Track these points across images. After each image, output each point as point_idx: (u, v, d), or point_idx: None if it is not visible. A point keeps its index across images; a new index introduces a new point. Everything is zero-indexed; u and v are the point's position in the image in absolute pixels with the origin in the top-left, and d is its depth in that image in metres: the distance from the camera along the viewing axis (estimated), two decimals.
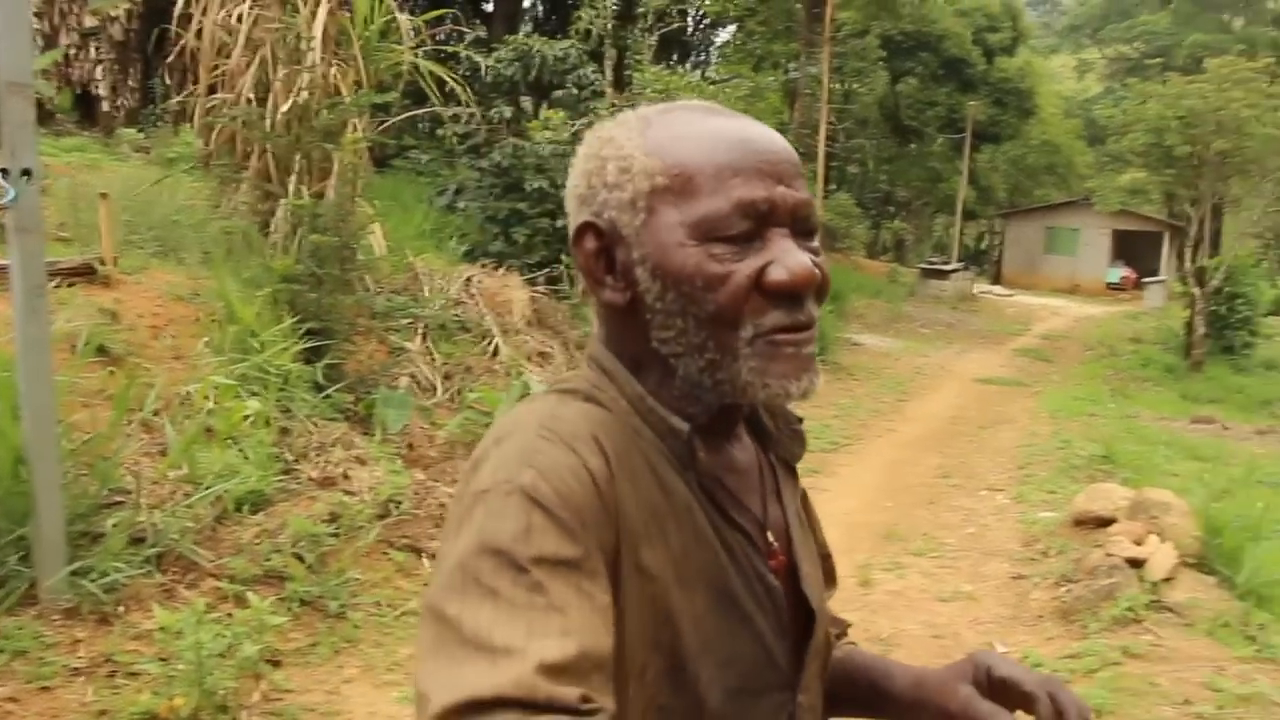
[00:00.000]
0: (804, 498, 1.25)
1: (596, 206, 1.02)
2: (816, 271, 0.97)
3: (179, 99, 8.52)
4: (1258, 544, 6.16)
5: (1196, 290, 19.40)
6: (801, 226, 0.99)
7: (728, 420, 1.07)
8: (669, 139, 1.00)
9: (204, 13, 7.67)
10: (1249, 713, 4.34)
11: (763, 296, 0.95)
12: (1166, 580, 5.56)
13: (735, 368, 0.97)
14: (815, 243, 1.01)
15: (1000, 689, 1.10)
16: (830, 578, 1.31)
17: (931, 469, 9.07)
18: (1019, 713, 1.09)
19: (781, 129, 20.03)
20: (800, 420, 1.18)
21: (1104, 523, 6.35)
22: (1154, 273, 36.69)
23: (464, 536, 0.86)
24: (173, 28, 7.98)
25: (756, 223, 0.96)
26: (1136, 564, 5.65)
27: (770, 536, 1.08)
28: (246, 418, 5.41)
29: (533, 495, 0.86)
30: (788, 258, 0.96)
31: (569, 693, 0.78)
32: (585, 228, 1.02)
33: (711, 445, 1.05)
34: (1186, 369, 18.93)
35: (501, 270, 9.86)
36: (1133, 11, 65.52)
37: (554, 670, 0.78)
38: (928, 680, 1.16)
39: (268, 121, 7.17)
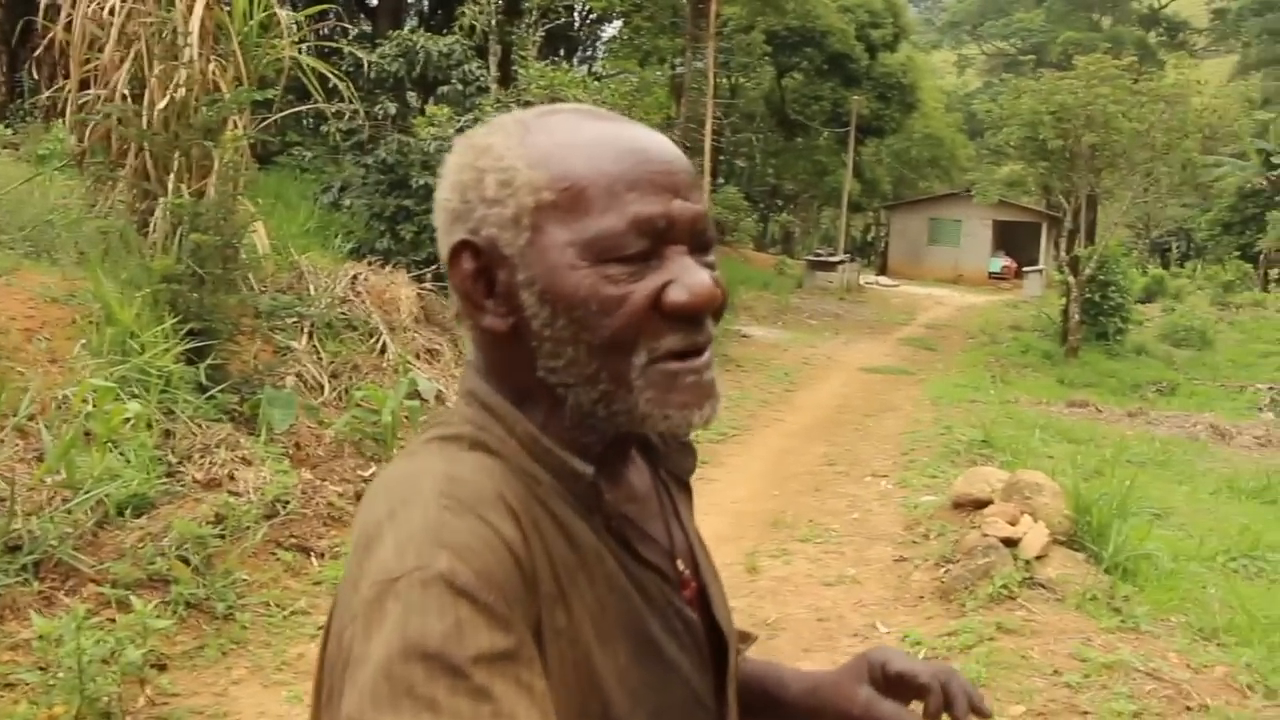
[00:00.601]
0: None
1: (473, 223, 0.92)
2: (718, 290, 0.91)
3: (49, 94, 8.28)
4: (1124, 521, 6.47)
5: (1071, 279, 20.07)
6: (698, 241, 0.93)
7: (622, 445, 0.99)
8: (554, 148, 0.91)
9: (74, 4, 7.47)
10: (1113, 679, 4.56)
11: (660, 318, 0.89)
12: (1039, 558, 5.79)
13: (631, 399, 0.89)
14: (711, 257, 0.95)
15: (896, 684, 1.10)
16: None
17: (818, 457, 9.28)
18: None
19: (668, 124, 20.26)
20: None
21: (981, 505, 6.57)
22: (1034, 262, 37.80)
23: (382, 637, 0.75)
24: (39, 19, 7.77)
25: (653, 240, 0.89)
26: (1011, 543, 5.88)
27: (680, 564, 1.02)
28: (127, 420, 5.32)
29: (454, 583, 0.77)
30: (688, 276, 0.89)
31: None
32: (461, 247, 0.92)
33: (610, 476, 0.97)
34: (1063, 355, 19.56)
35: (388, 268, 9.80)
36: (1009, 9, 67.47)
37: None
38: (823, 685, 1.14)
39: (144, 119, 7.03)
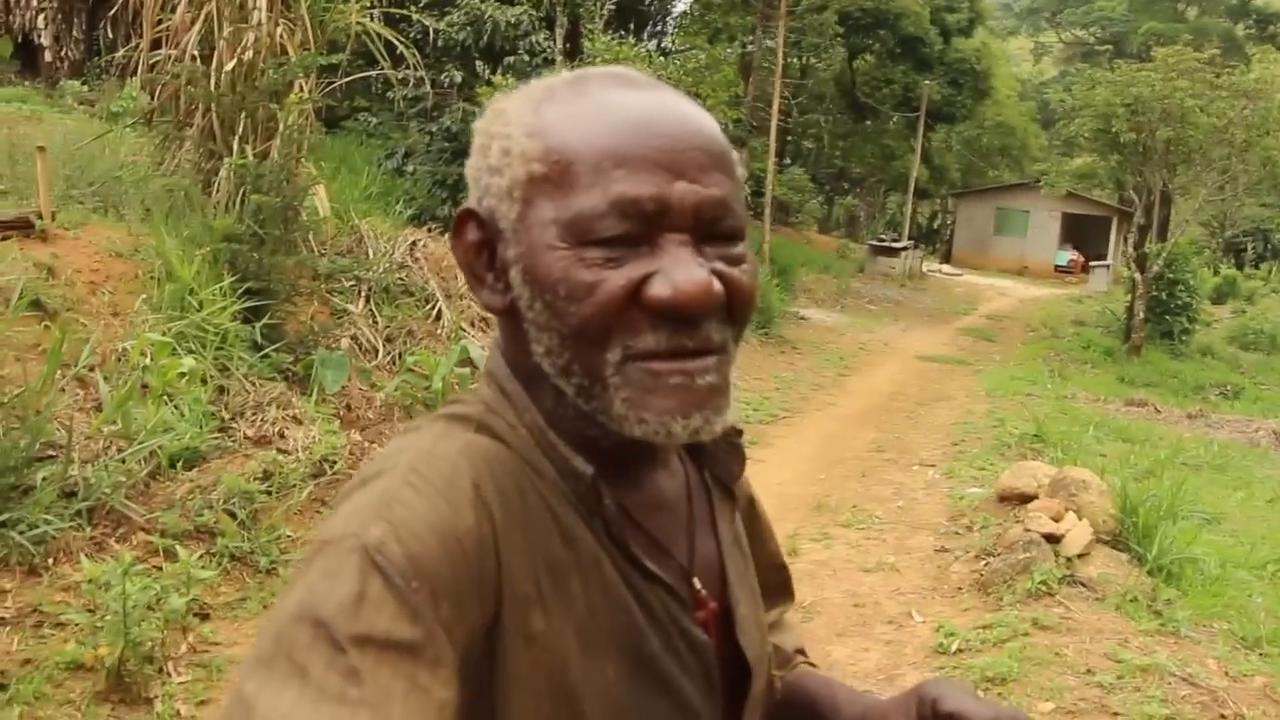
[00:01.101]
0: (752, 504, 1.13)
1: (479, 191, 0.87)
2: (715, 288, 0.81)
3: (123, 52, 8.44)
4: (1171, 523, 6.39)
5: (1138, 276, 19.75)
6: (711, 230, 0.82)
7: (643, 444, 0.87)
8: (559, 118, 0.83)
9: None
10: (1146, 682, 4.52)
11: (641, 313, 0.80)
12: (1081, 556, 5.74)
13: (606, 397, 0.82)
14: (737, 249, 0.85)
15: None
16: (785, 590, 1.22)
17: (867, 443, 9.24)
18: None
19: (736, 102, 20.14)
20: (740, 433, 1.01)
21: (1027, 499, 6.51)
22: (1102, 257, 37.24)
23: (293, 594, 0.73)
24: None
25: (642, 225, 0.80)
26: (1054, 540, 5.82)
27: (698, 583, 0.94)
28: (182, 375, 5.44)
29: (374, 557, 0.72)
30: (676, 271, 0.80)
31: None
32: (466, 216, 0.87)
33: (628, 476, 0.90)
34: (1125, 353, 19.29)
35: (448, 235, 9.84)
36: None
37: None
38: (871, 713, 1.05)
39: (212, 80, 7.14)
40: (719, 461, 1.01)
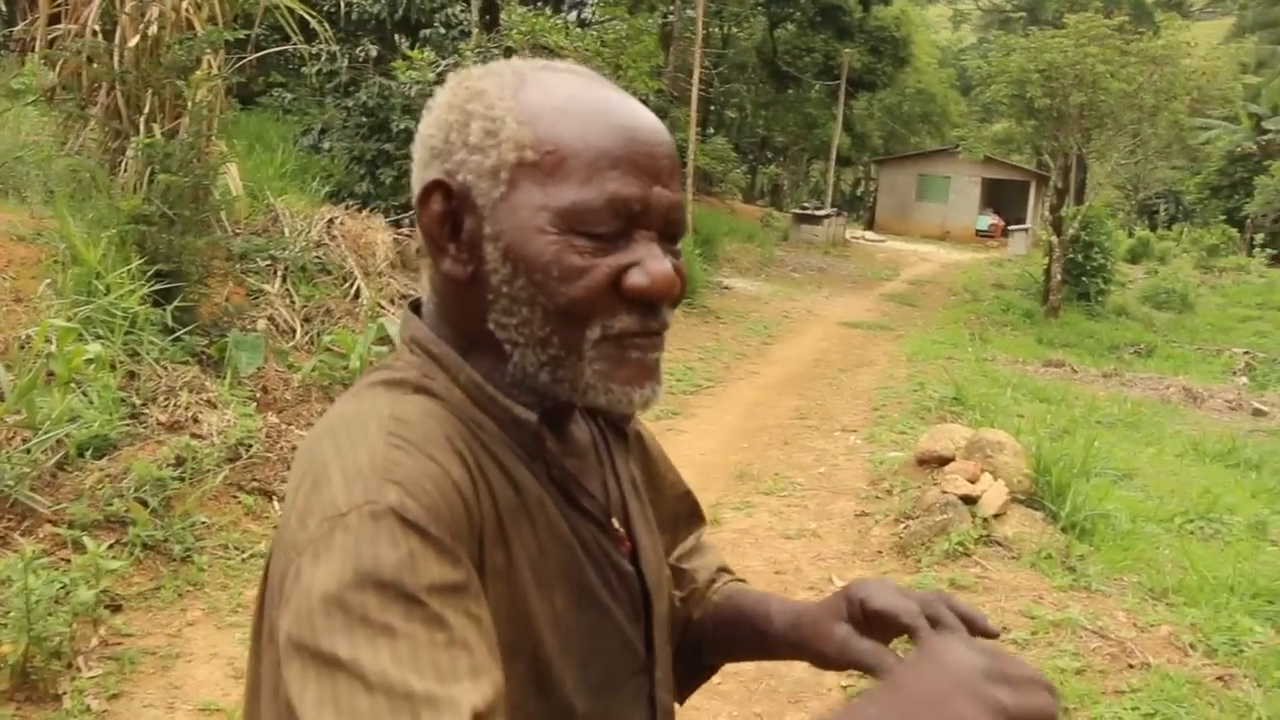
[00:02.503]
0: (640, 440, 1.20)
1: (451, 165, 0.92)
2: (678, 281, 0.92)
3: (22, 27, 8.18)
4: (1085, 481, 6.55)
5: (1055, 239, 20.08)
6: (670, 230, 0.94)
7: (564, 407, 1.00)
8: (546, 109, 0.91)
9: None
10: (1059, 636, 4.65)
11: (617, 298, 0.90)
12: (997, 516, 5.86)
13: (579, 368, 0.91)
14: (678, 246, 0.96)
15: (877, 622, 1.03)
16: (695, 515, 1.29)
17: (789, 410, 9.32)
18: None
19: (657, 72, 20.06)
20: None
21: (945, 461, 6.63)
22: (1021, 221, 37.80)
23: (332, 566, 0.75)
24: None
25: (626, 222, 0.90)
26: (970, 501, 5.94)
27: (615, 522, 1.03)
28: (89, 361, 5.31)
29: (405, 516, 0.78)
30: (651, 263, 0.90)
31: None
32: (435, 186, 0.93)
33: (552, 427, 0.99)
34: (1044, 314, 19.60)
35: (366, 212, 9.75)
36: None
37: (486, 715, 0.73)
38: (803, 620, 1.11)
39: (115, 56, 6.95)
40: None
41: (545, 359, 0.91)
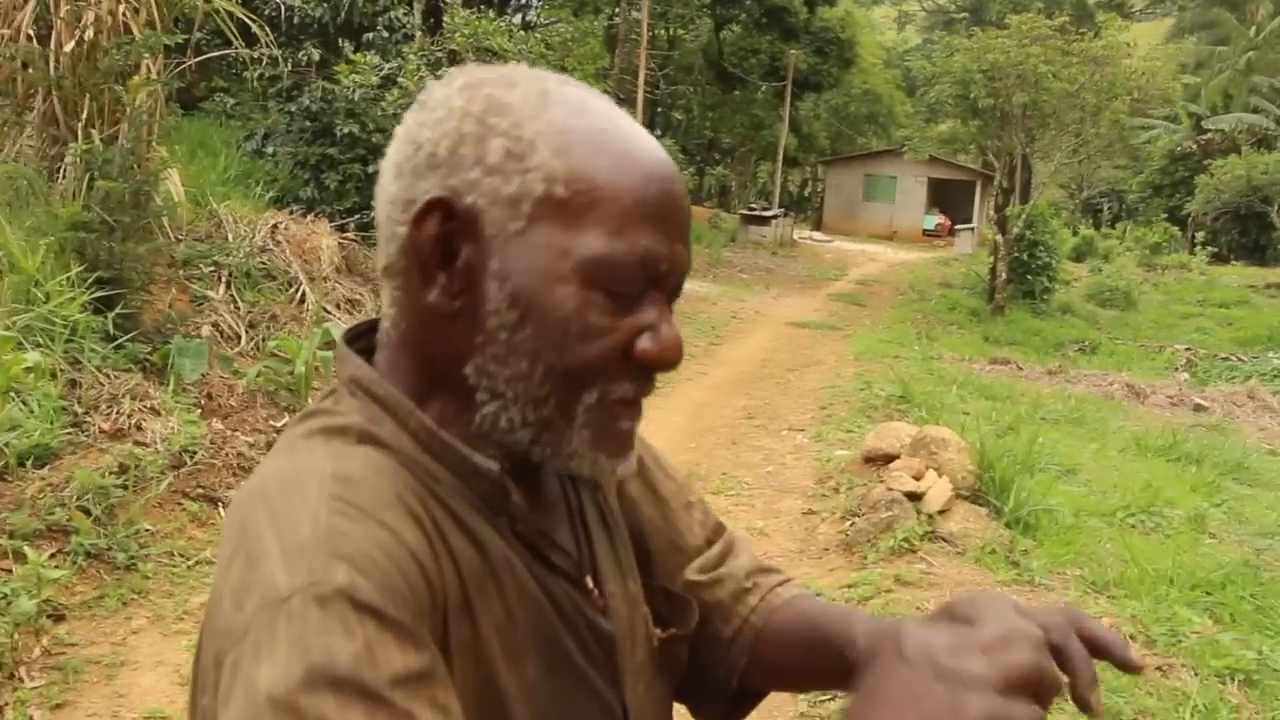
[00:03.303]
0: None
1: (459, 183, 0.81)
2: (682, 348, 0.84)
3: None
4: (1029, 476, 6.64)
5: (999, 238, 20.35)
6: (677, 293, 0.86)
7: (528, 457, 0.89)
8: (579, 141, 0.81)
9: None
10: None
11: (624, 363, 0.82)
12: (942, 512, 5.93)
13: (567, 434, 0.82)
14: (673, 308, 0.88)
15: None
16: (709, 523, 1.13)
17: (737, 410, 9.38)
18: None
19: (603, 74, 20.08)
20: None
21: (890, 459, 6.69)
22: (968, 220, 38.27)
23: (275, 663, 0.66)
24: None
25: (649, 283, 0.82)
26: (916, 497, 6.01)
27: (589, 581, 0.93)
28: (28, 370, 5.24)
29: (355, 599, 0.68)
30: (665, 329, 0.82)
31: None
32: (436, 205, 0.80)
33: (519, 480, 0.87)
34: (990, 313, 19.85)
35: (310, 217, 9.69)
36: None
37: None
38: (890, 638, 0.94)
39: (51, 61, 6.86)
40: None
41: (533, 419, 0.82)
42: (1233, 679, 4.24)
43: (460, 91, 0.83)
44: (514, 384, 0.81)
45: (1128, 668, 0.81)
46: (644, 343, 0.81)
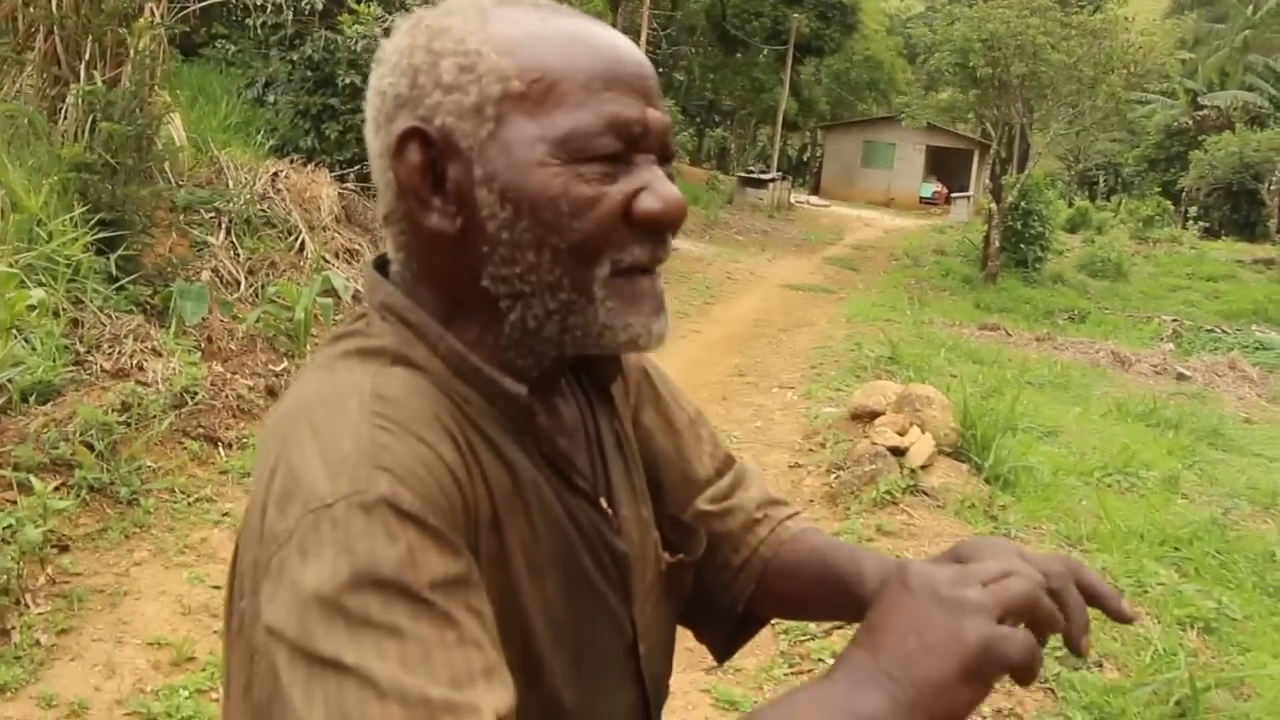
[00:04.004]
0: (651, 381, 1.14)
1: (425, 110, 0.84)
2: (685, 202, 0.86)
3: None
4: (1011, 435, 6.80)
5: (994, 206, 20.44)
6: (665, 152, 0.88)
7: (555, 373, 0.93)
8: (523, 37, 0.84)
9: None
10: None
11: (627, 228, 0.83)
12: (924, 467, 6.08)
13: (591, 311, 0.84)
14: (671, 169, 0.90)
15: None
16: (719, 454, 1.17)
17: (729, 368, 9.52)
18: None
19: None
20: None
21: (876, 416, 6.82)
22: (965, 188, 38.31)
23: (321, 564, 0.69)
24: None
25: (628, 145, 0.84)
26: (899, 452, 6.15)
27: (604, 503, 0.96)
28: (32, 308, 5.34)
29: (399, 507, 0.72)
30: (660, 186, 0.84)
31: None
32: (411, 134, 0.84)
33: (543, 404, 0.91)
34: (982, 280, 19.97)
35: (310, 166, 9.75)
36: None
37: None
38: None
39: (54, 1, 6.89)
40: (594, 366, 1.02)
41: (555, 306, 0.84)
42: (1193, 627, 4.42)
43: (405, 34, 0.87)
44: (528, 277, 0.84)
45: (1120, 618, 0.86)
46: (643, 202, 0.83)
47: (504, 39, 0.84)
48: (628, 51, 0.87)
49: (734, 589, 1.12)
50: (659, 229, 0.85)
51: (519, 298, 0.85)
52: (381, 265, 0.94)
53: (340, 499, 0.71)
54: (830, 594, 1.05)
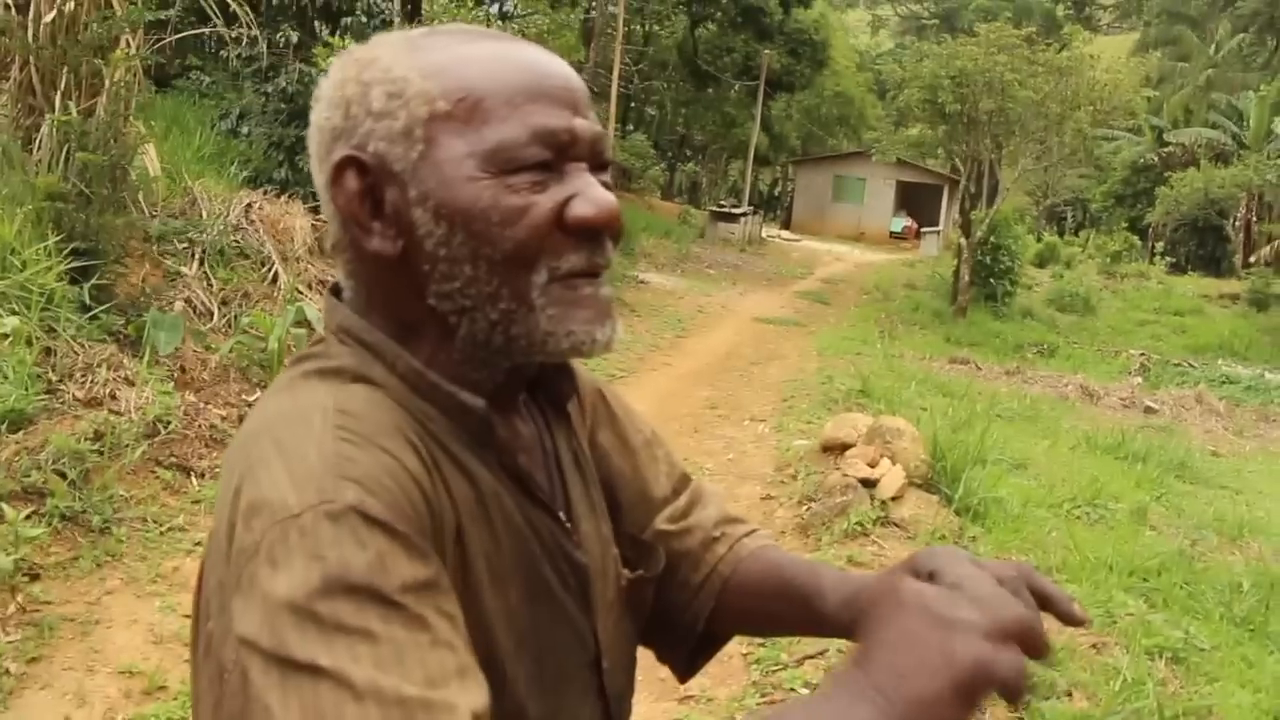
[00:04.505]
0: (606, 402, 1.15)
1: (359, 139, 0.87)
2: (619, 208, 0.88)
3: None
4: (981, 467, 6.86)
5: (963, 241, 20.66)
6: (598, 161, 0.90)
7: (512, 387, 0.96)
8: (448, 61, 0.87)
9: None
10: None
11: (562, 235, 0.86)
12: (895, 498, 6.13)
13: (532, 319, 0.86)
14: (608, 178, 0.92)
15: None
16: (676, 473, 1.18)
17: (701, 401, 9.56)
18: None
19: (578, 68, 20.15)
20: None
21: (848, 448, 6.88)
22: (935, 223, 38.67)
23: (292, 573, 0.70)
24: None
25: (556, 154, 0.86)
26: (870, 484, 6.20)
27: (563, 516, 0.98)
28: (4, 336, 5.33)
29: (367, 514, 0.73)
30: (592, 191, 0.87)
31: None
32: (346, 163, 0.87)
33: (502, 419, 0.93)
34: (952, 314, 20.14)
35: (284, 198, 9.76)
36: None
37: (481, 718, 0.70)
38: (861, 597, 0.97)
39: (30, 31, 6.91)
40: (550, 384, 1.03)
41: (497, 316, 0.86)
42: (1161, 656, 4.47)
43: (338, 69, 0.91)
44: (468, 291, 0.86)
45: (1071, 620, 0.87)
46: (575, 208, 0.86)
47: (429, 64, 0.87)
48: (552, 65, 0.90)
49: (694, 607, 1.13)
50: (594, 234, 0.87)
51: (463, 312, 0.87)
52: (338, 292, 0.96)
53: (308, 509, 0.72)
54: (790, 608, 1.06)
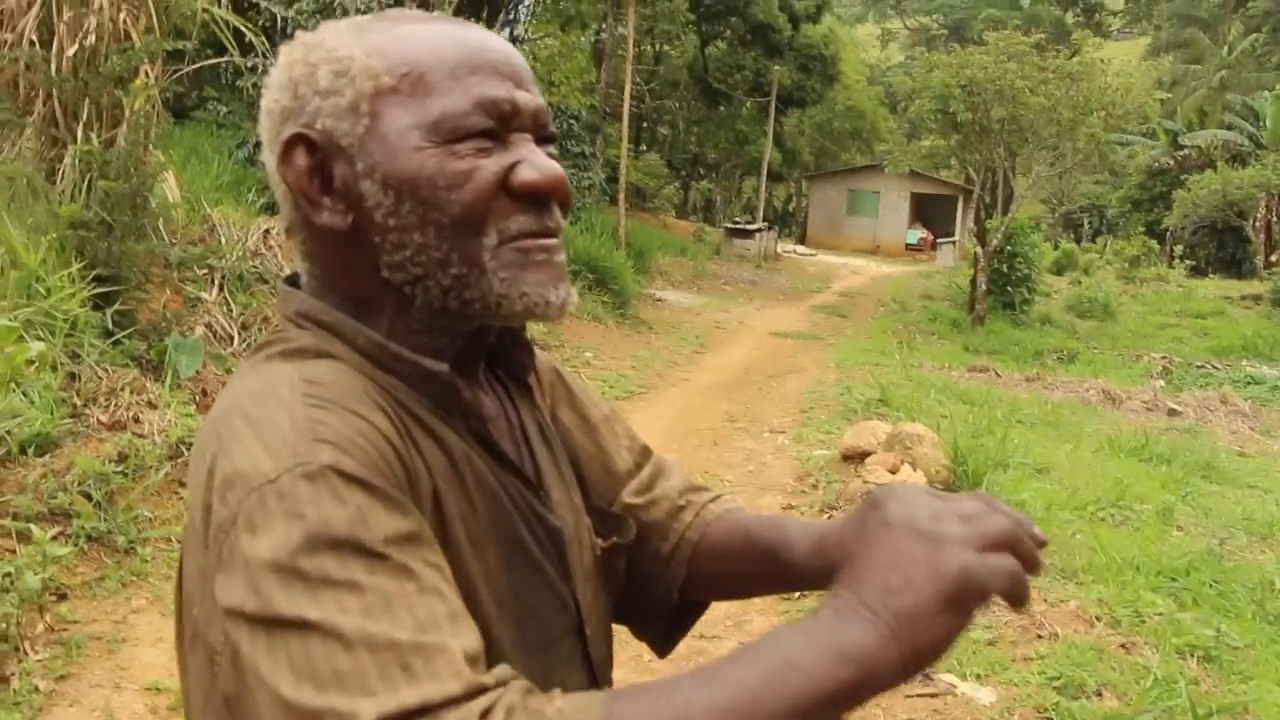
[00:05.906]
0: (563, 379, 1.17)
1: (307, 117, 0.89)
2: (564, 175, 0.91)
3: None
4: (1002, 472, 6.83)
5: (979, 250, 20.62)
6: (542, 132, 0.93)
7: (472, 357, 0.97)
8: (392, 39, 0.90)
9: None
10: None
11: (509, 200, 0.88)
12: None
13: (484, 281, 0.88)
14: (553, 149, 0.95)
15: None
16: (637, 447, 1.20)
17: (720, 414, 9.55)
18: None
19: (589, 89, 20.24)
20: (523, 327, 1.06)
21: (867, 456, 6.89)
22: (950, 234, 38.60)
23: (272, 534, 0.71)
24: None
25: (499, 123, 0.89)
26: None
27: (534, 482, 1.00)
28: (31, 362, 5.38)
29: (344, 471, 0.74)
30: (536, 159, 0.89)
31: (505, 674, 0.72)
32: (295, 141, 0.89)
33: (465, 386, 0.94)
34: (970, 323, 20.07)
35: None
36: None
37: (475, 660, 0.71)
38: (827, 542, 0.99)
39: (53, 65, 7.00)
40: (509, 359, 1.06)
41: (449, 282, 0.88)
42: (1192, 655, 4.43)
43: (285, 54, 0.93)
44: (419, 259, 0.88)
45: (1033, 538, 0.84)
46: (520, 173, 0.88)
47: (374, 43, 0.89)
48: (495, 42, 0.93)
49: (666, 577, 1.14)
50: (541, 200, 0.90)
51: (417, 281, 0.89)
52: (293, 281, 0.99)
53: (284, 472, 0.73)
54: (760, 565, 1.08)
